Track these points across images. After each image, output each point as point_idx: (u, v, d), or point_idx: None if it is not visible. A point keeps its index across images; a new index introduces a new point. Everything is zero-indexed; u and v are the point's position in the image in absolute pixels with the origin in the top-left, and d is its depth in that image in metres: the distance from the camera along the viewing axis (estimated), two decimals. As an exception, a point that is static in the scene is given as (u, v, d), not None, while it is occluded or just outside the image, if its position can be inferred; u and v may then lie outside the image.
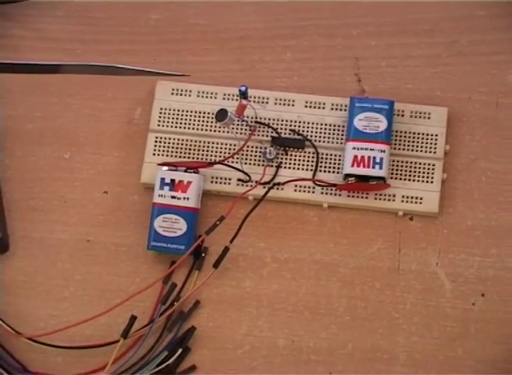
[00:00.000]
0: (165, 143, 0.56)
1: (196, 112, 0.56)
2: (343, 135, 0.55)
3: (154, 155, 0.56)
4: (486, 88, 0.57)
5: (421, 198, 0.54)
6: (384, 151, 0.54)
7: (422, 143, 0.55)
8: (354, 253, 0.55)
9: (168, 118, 0.56)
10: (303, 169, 0.55)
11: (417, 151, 0.55)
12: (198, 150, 0.56)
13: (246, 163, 0.55)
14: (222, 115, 0.54)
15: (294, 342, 0.53)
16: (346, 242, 0.55)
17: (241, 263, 0.55)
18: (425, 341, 0.53)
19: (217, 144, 0.56)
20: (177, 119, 0.56)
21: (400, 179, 0.55)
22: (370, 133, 0.54)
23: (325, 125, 0.55)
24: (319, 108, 0.56)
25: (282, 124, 0.56)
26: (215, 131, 0.56)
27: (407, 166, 0.55)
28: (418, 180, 0.54)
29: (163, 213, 0.53)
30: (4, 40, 0.60)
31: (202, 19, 0.59)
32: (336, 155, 0.55)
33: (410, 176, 0.55)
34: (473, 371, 0.52)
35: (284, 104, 0.56)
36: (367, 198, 0.55)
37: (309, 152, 0.55)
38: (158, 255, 0.55)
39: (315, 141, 0.55)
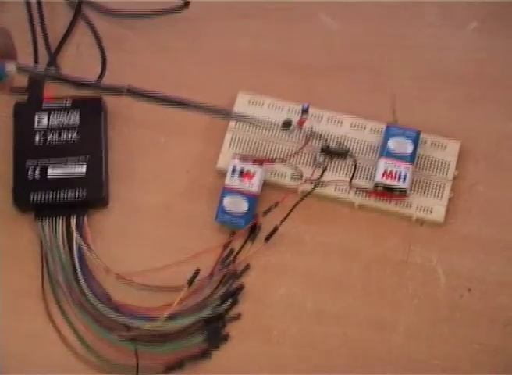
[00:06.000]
0: (238, 140, 0.62)
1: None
2: (377, 152, 0.61)
3: (229, 148, 0.62)
4: (491, 131, 0.62)
5: (431, 209, 0.60)
6: (408, 169, 0.59)
7: (438, 167, 0.60)
8: (374, 244, 0.60)
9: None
10: (343, 174, 0.61)
11: (433, 172, 0.60)
12: (264, 148, 0.62)
13: (299, 164, 0.61)
14: (287, 124, 0.61)
15: (319, 306, 0.59)
16: (369, 235, 0.60)
17: (286, 240, 0.60)
18: (420, 319, 0.58)
19: (279, 145, 0.62)
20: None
21: (417, 192, 0.60)
22: (399, 154, 0.59)
23: (365, 143, 0.61)
24: (361, 129, 0.62)
25: (331, 137, 0.61)
26: (278, 136, 0.62)
27: (424, 183, 0.60)
28: (431, 195, 0.60)
29: (231, 194, 0.60)
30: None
31: (278, 49, 0.65)
32: (370, 167, 0.61)
33: (425, 190, 0.60)
34: (452, 345, 0.58)
35: (334, 122, 0.62)
36: (389, 203, 0.60)
37: (349, 162, 0.61)
38: (222, 226, 0.60)
39: (355, 153, 0.61)
